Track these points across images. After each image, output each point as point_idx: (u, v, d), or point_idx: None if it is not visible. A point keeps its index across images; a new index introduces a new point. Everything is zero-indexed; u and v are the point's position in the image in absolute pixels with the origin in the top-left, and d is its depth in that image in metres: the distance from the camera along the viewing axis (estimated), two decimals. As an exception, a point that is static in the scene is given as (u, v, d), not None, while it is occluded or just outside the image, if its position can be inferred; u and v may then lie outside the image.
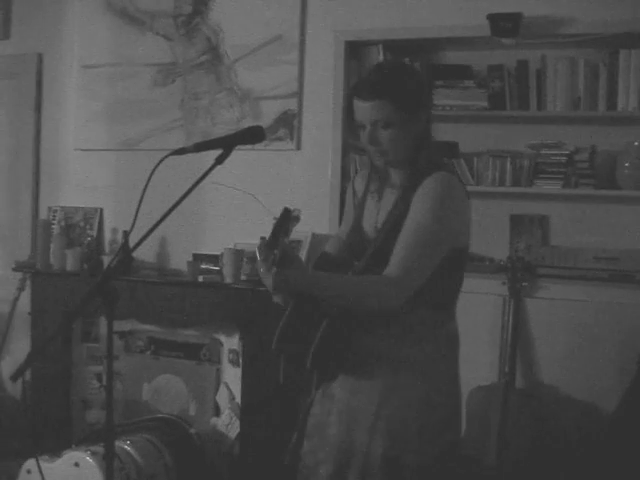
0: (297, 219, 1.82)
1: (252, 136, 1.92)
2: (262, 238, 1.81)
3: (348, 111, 2.04)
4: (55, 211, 4.28)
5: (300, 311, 2.04)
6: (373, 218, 2.11)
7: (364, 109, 1.97)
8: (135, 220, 1.81)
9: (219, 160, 1.84)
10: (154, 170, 1.78)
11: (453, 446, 2.08)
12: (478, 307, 3.44)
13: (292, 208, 1.83)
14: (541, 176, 3.46)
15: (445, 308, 2.08)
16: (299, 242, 3.58)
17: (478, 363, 3.44)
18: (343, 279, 1.97)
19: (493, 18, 3.31)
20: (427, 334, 2.03)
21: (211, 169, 1.83)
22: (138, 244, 1.81)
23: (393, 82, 1.96)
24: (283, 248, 1.79)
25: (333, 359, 1.99)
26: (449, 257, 1.98)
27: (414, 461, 1.97)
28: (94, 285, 1.72)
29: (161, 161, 1.80)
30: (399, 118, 1.95)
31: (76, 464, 3.12)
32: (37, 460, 3.03)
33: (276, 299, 2.01)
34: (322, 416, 2.11)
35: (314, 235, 3.62)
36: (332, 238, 2.31)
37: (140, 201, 1.80)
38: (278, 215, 1.84)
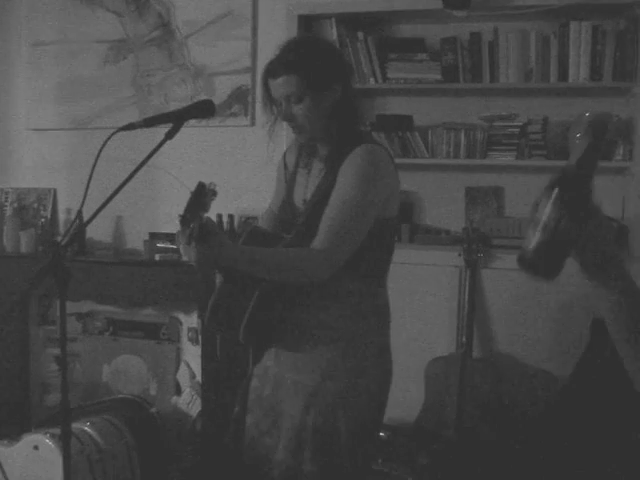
0: (213, 193, 1.77)
1: (202, 110, 1.91)
2: (180, 215, 1.77)
3: (264, 92, 2.03)
4: (7, 193, 4.21)
5: (230, 285, 2.03)
6: (302, 191, 2.12)
7: (276, 86, 1.97)
8: (85, 197, 1.80)
9: (169, 135, 1.84)
10: (103, 146, 1.76)
11: (380, 418, 2.11)
12: (434, 279, 3.48)
13: (207, 182, 1.79)
14: (495, 148, 3.49)
15: (375, 279, 2.08)
16: (255, 218, 3.57)
17: (435, 334, 3.49)
18: (269, 252, 1.94)
19: (445, -10, 3.32)
20: (356, 305, 2.03)
21: (162, 144, 1.82)
22: (89, 220, 1.80)
23: (300, 56, 1.95)
24: (202, 223, 1.75)
25: (265, 332, 2.00)
26: (377, 227, 1.98)
27: (340, 429, 1.99)
28: (45, 264, 1.70)
29: (110, 137, 1.78)
30: (310, 91, 1.94)
31: (35, 447, 3.09)
32: (-6, 444, 3.01)
33: (200, 272, 1.98)
34: (260, 389, 2.14)
35: (271, 211, 3.61)
36: (265, 212, 2.29)
37: (89, 178, 1.78)
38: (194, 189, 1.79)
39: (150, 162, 1.81)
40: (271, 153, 2.48)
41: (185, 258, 1.86)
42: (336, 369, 2.00)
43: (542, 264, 1.14)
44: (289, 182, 2.18)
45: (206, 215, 1.77)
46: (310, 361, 2.02)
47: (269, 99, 2.02)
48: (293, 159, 2.21)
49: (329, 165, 2.01)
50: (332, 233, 1.90)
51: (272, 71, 1.97)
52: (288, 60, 1.95)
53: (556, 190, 1.11)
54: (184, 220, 1.75)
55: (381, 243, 2.05)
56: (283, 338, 2.04)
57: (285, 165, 2.25)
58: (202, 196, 1.76)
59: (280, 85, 1.96)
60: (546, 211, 1.11)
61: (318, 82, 1.95)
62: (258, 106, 3.78)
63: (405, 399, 3.38)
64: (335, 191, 1.95)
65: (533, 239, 1.13)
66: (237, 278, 1.99)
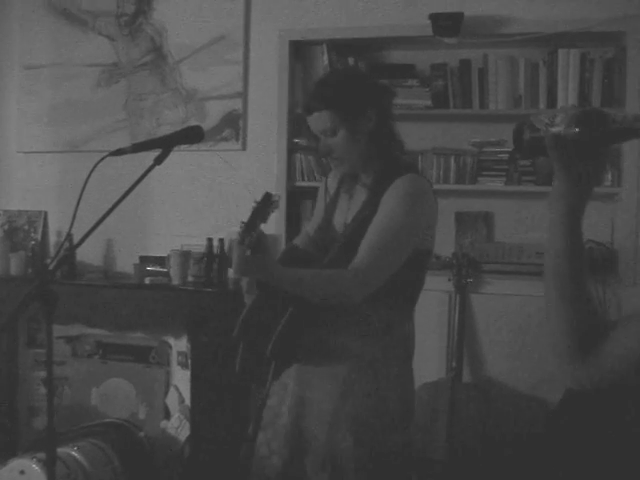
0: (276, 205, 1.84)
1: (190, 136, 1.92)
2: (242, 222, 1.81)
3: (307, 128, 2.11)
4: (-2, 215, 4.20)
5: (264, 300, 2.05)
6: (343, 216, 2.15)
7: (312, 122, 2.05)
8: (73, 220, 1.80)
9: (158, 160, 1.84)
10: (92, 171, 1.76)
11: (404, 447, 2.12)
12: (424, 303, 3.41)
13: (273, 193, 1.85)
14: (484, 173, 3.51)
15: (403, 310, 2.12)
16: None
17: (425, 359, 3.46)
18: (306, 272, 1.99)
19: (435, 17, 3.36)
20: (384, 333, 2.06)
21: (150, 169, 1.82)
22: (78, 244, 1.80)
23: (330, 91, 2.02)
24: (260, 233, 1.80)
25: (291, 350, 2.02)
26: (412, 259, 2.01)
27: (356, 456, 2.01)
28: (32, 288, 1.69)
29: (99, 162, 1.79)
30: (342, 124, 2.00)
31: (22, 472, 3.07)
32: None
33: (247, 295, 2.04)
34: (276, 407, 2.16)
35: (261, 235, 3.62)
36: (301, 233, 2.35)
37: (78, 201, 1.78)
38: (259, 199, 1.86)
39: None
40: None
41: (234, 268, 1.87)
42: (356, 393, 2.02)
43: (527, 149, 1.25)
44: (329, 206, 2.22)
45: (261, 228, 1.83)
46: (333, 384, 2.04)
47: (311, 135, 2.11)
48: (335, 183, 2.24)
49: (372, 191, 2.05)
50: (370, 256, 1.94)
51: (307, 108, 2.06)
52: (319, 96, 2.03)
53: (575, 130, 1.14)
54: (247, 229, 1.80)
55: (413, 275, 2.09)
56: (307, 357, 2.06)
57: (326, 189, 2.28)
58: (266, 206, 1.82)
59: (314, 121, 2.04)
60: (560, 129, 1.16)
61: (349, 113, 2.00)
62: (249, 131, 3.81)
63: (395, 424, 3.37)
64: (377, 217, 1.98)
65: (538, 127, 1.20)
66: (272, 293, 2.01)
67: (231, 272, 1.93)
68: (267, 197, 1.83)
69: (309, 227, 2.30)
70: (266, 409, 2.19)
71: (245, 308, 2.10)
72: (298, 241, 2.30)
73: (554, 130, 1.16)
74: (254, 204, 1.85)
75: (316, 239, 2.21)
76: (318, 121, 2.02)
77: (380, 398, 2.04)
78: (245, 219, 1.87)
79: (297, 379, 2.11)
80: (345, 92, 2.02)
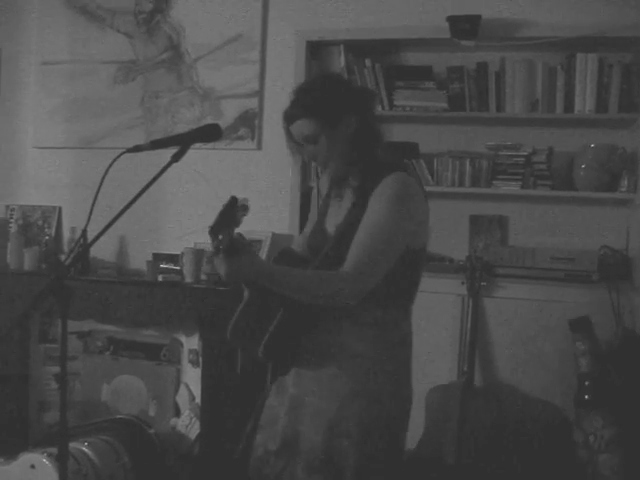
0: (245, 208, 1.80)
1: (209, 134, 1.91)
2: (209, 227, 1.79)
3: (287, 137, 2.10)
4: (12, 210, 4.22)
5: (256, 301, 2.05)
6: (334, 218, 2.14)
7: (293, 130, 2.05)
8: (90, 217, 1.80)
9: (175, 158, 1.84)
10: (109, 167, 1.77)
11: (396, 447, 2.10)
12: (437, 306, 3.47)
13: (240, 197, 1.82)
14: (500, 177, 3.50)
15: (400, 309, 2.10)
16: (259, 242, 3.57)
17: (437, 362, 3.48)
18: (298, 272, 1.98)
19: (452, 20, 3.35)
20: (380, 333, 2.04)
21: (167, 166, 1.82)
22: (94, 241, 1.80)
23: (308, 99, 2.02)
24: (231, 236, 1.77)
25: (286, 351, 2.01)
26: (405, 257, 2.00)
27: (354, 456, 2.00)
28: (48, 283, 1.69)
29: (116, 158, 1.79)
30: (322, 131, 2.00)
31: (32, 466, 3.07)
32: (-9, 462, 2.99)
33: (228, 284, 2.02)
34: (276, 408, 2.15)
35: (274, 235, 3.62)
36: (298, 237, 2.34)
37: (95, 198, 1.78)
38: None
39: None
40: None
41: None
42: (356, 396, 2.01)
43: None
44: (321, 209, 2.22)
45: (237, 231, 1.80)
46: (331, 386, 2.03)
47: (294, 142, 2.09)
48: (326, 186, 2.23)
49: (360, 193, 2.04)
50: (361, 258, 1.92)
51: (288, 117, 2.05)
52: (298, 105, 2.02)
53: None
54: (212, 231, 1.77)
55: (408, 273, 2.06)
56: (305, 360, 2.05)
57: (318, 191, 2.28)
58: (233, 210, 1.79)
59: (296, 129, 2.03)
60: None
61: (328, 120, 2.00)
62: (265, 130, 3.81)
63: (405, 427, 3.36)
64: (365, 218, 1.97)
65: None
66: (263, 295, 2.00)
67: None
68: (233, 201, 1.79)
69: (306, 230, 2.30)
70: (265, 409, 2.19)
71: (237, 309, 2.09)
72: (295, 245, 2.29)
73: None
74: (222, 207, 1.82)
75: (310, 243, 2.20)
76: (299, 129, 2.02)
77: (378, 399, 2.02)
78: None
79: (295, 381, 2.10)
80: (324, 100, 2.02)
